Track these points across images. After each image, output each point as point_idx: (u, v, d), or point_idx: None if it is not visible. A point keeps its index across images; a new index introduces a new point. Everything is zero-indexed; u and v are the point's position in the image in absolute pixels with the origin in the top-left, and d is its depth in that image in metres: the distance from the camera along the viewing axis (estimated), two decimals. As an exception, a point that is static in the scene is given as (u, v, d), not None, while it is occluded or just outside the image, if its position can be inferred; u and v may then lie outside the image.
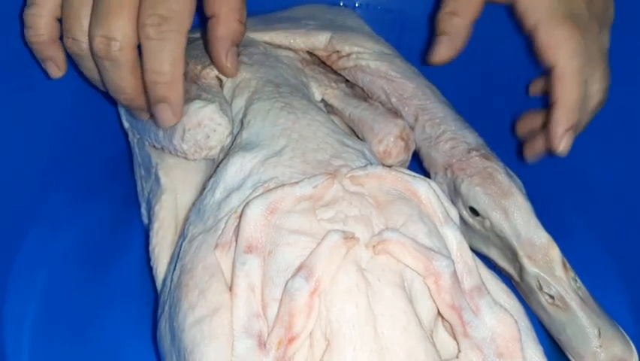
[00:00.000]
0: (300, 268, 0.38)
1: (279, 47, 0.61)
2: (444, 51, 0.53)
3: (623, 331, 0.51)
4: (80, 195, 0.63)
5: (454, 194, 0.56)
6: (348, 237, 0.39)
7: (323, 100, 0.60)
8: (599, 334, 0.49)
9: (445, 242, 0.42)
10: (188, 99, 0.50)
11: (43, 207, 0.61)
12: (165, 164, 0.54)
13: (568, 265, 0.51)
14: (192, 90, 0.53)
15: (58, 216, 0.61)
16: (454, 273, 0.40)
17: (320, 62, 0.62)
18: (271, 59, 0.58)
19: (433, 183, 0.45)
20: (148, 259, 0.52)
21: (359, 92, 0.61)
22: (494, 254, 0.55)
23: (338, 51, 0.61)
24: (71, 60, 0.49)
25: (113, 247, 0.60)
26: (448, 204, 0.45)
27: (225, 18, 0.48)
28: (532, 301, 0.53)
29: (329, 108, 0.60)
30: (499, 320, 0.40)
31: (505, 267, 0.55)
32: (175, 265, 0.45)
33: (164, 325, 0.43)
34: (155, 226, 0.52)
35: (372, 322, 0.37)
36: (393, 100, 0.59)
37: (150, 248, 0.52)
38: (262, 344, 0.38)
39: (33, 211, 0.61)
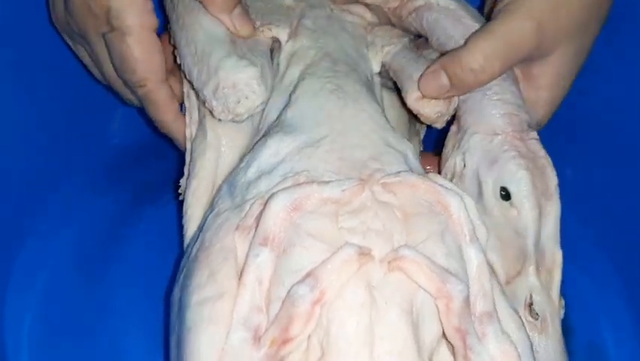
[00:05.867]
0: (307, 275, 0.37)
1: (347, 6, 0.58)
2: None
3: None
4: (80, 196, 0.64)
5: (490, 164, 0.49)
6: (364, 253, 0.38)
7: (382, 69, 0.56)
8: None
9: (466, 263, 0.41)
10: (231, 54, 0.48)
11: (44, 208, 0.62)
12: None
13: (561, 295, 0.48)
14: (240, 44, 0.50)
15: (59, 216, 0.62)
16: (467, 298, 0.38)
17: (386, 23, 0.58)
18: (335, 25, 0.55)
19: (467, 198, 0.43)
20: (151, 255, 0.52)
21: (421, 44, 0.57)
22: (491, 245, 0.48)
23: None
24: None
25: (113, 247, 0.61)
26: (479, 221, 0.43)
27: None
28: None
29: (384, 80, 0.56)
30: (502, 351, 0.39)
31: (495, 262, 0.49)
32: (198, 236, 0.45)
33: (176, 292, 0.44)
34: (194, 184, 0.51)
35: (370, 343, 0.37)
36: (452, 43, 0.52)
37: (184, 206, 0.51)
38: (257, 339, 0.38)
39: (33, 211, 0.61)
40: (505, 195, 0.48)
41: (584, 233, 0.63)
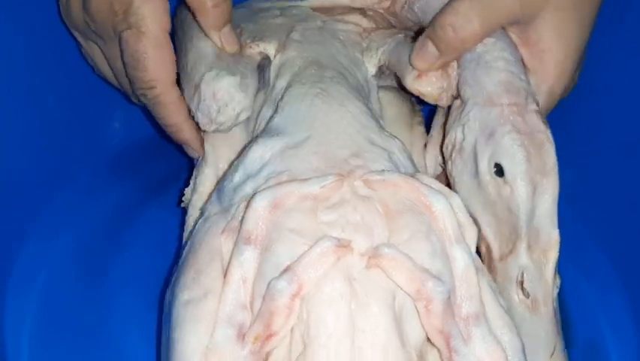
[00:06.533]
0: (286, 270, 0.38)
1: (342, 16, 0.59)
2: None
3: None
4: (80, 195, 0.64)
5: (487, 138, 0.47)
6: (342, 245, 0.38)
7: (379, 70, 0.56)
8: (553, 352, 0.45)
9: (451, 264, 0.40)
10: (213, 68, 0.50)
11: (44, 208, 0.62)
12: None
13: (557, 274, 0.47)
14: (226, 59, 0.52)
15: (59, 216, 0.62)
16: (448, 300, 0.38)
17: (386, 26, 0.59)
18: (325, 35, 0.56)
19: (454, 198, 0.43)
20: (151, 256, 0.53)
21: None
22: (486, 220, 0.48)
23: None
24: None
25: (113, 248, 0.61)
26: (468, 222, 0.43)
27: (202, 8, 0.51)
28: (499, 284, 0.47)
29: (380, 80, 0.57)
30: (488, 353, 0.39)
31: (490, 240, 0.48)
32: (188, 241, 0.46)
33: (168, 293, 0.45)
34: (194, 198, 0.52)
35: (351, 335, 0.37)
36: None
37: (186, 217, 0.52)
38: (241, 336, 0.38)
39: (33, 211, 0.61)
40: (499, 171, 0.47)
41: (583, 233, 0.62)
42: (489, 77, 0.48)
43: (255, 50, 0.54)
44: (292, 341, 0.38)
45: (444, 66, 0.50)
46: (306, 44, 0.54)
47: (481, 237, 0.48)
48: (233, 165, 0.47)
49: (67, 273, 0.59)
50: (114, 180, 0.66)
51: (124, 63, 0.51)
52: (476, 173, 0.48)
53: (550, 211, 0.46)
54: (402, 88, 0.55)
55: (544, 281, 0.46)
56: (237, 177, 0.46)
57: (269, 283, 0.38)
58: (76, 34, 0.56)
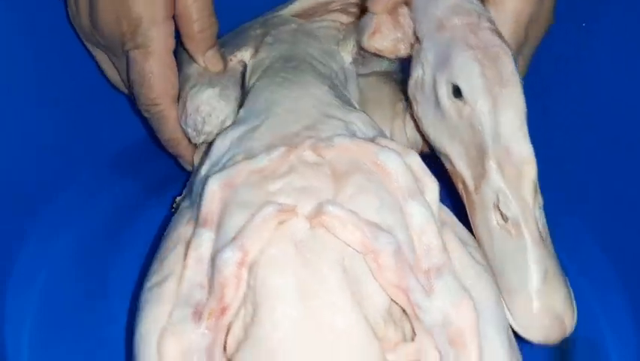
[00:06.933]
0: (231, 240, 0.38)
1: (322, 16, 0.60)
2: None
3: (570, 289, 0.43)
4: (80, 196, 0.65)
5: (442, 65, 0.45)
6: (285, 210, 0.38)
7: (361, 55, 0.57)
8: (544, 278, 0.41)
9: (407, 219, 0.39)
10: (196, 85, 0.53)
11: (44, 208, 0.63)
12: None
13: (539, 190, 0.42)
14: (208, 75, 0.55)
15: (59, 216, 0.63)
16: (398, 251, 0.37)
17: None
18: (299, 35, 0.58)
19: (412, 157, 0.42)
20: (151, 256, 0.52)
21: None
22: (455, 151, 0.46)
23: None
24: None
25: (113, 248, 0.61)
26: (428, 178, 0.42)
27: (189, 33, 0.53)
28: (478, 218, 0.44)
29: (363, 68, 0.58)
30: (453, 304, 0.37)
31: (462, 169, 0.46)
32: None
33: None
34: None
35: (298, 295, 0.37)
36: None
37: None
38: (198, 314, 0.38)
39: (33, 212, 0.62)
40: (457, 92, 0.44)
41: (584, 233, 0.61)
42: (437, 4, 0.47)
43: (235, 60, 0.57)
44: (247, 314, 0.38)
45: (395, 6, 0.49)
46: (276, 44, 0.56)
47: (456, 174, 0.46)
48: (200, 160, 0.49)
49: (67, 273, 0.60)
50: (114, 180, 0.67)
51: (129, 79, 0.53)
52: (438, 103, 0.46)
53: (515, 124, 0.43)
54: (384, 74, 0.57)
55: (522, 200, 0.42)
56: (204, 170, 0.47)
57: (215, 256, 0.38)
58: (85, 41, 0.59)
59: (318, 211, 0.38)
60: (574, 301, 0.42)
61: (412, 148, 0.51)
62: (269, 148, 0.43)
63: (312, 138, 0.43)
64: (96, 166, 0.67)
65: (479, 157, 0.43)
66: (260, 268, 0.37)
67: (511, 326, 0.41)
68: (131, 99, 0.59)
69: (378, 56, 0.54)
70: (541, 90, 0.58)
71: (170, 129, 0.55)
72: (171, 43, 0.52)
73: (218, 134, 0.48)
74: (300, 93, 0.48)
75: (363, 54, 0.57)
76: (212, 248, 0.40)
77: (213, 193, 0.41)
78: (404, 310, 0.38)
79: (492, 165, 0.43)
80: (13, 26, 0.59)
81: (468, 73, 0.43)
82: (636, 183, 0.58)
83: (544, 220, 0.43)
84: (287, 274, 0.37)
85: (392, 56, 0.51)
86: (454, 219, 0.44)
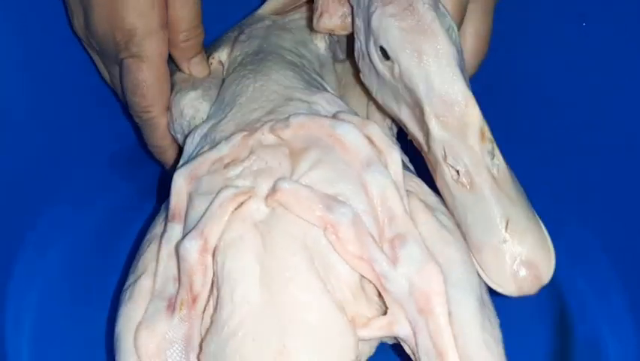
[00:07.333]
0: (192, 229, 0.38)
1: (287, 13, 0.60)
2: None
3: (544, 228, 0.40)
4: (79, 197, 0.65)
5: (367, 29, 0.44)
6: (242, 192, 0.38)
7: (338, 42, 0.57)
8: (507, 225, 0.38)
9: (367, 189, 0.39)
10: (179, 91, 0.54)
11: (44, 208, 0.62)
12: None
13: (488, 134, 0.40)
14: (192, 80, 0.55)
15: (59, 218, 0.63)
16: (357, 221, 0.36)
17: None
18: (273, 30, 0.58)
19: (371, 128, 0.41)
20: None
21: None
22: (404, 114, 0.44)
23: None
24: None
25: (113, 249, 0.61)
26: (388, 147, 0.41)
27: (174, 42, 0.53)
28: (438, 178, 0.42)
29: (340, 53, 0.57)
30: (418, 271, 0.36)
31: (414, 131, 0.43)
32: None
33: None
34: None
35: (258, 276, 0.37)
36: None
37: None
38: (172, 306, 0.39)
39: (33, 212, 0.62)
40: (384, 54, 0.43)
41: (584, 234, 0.59)
42: None
43: (215, 62, 0.57)
44: (214, 299, 0.38)
45: None
46: (248, 41, 0.56)
47: (413, 138, 0.44)
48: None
49: (67, 274, 0.60)
50: (110, 184, 0.67)
51: (122, 86, 0.54)
52: (377, 70, 0.44)
53: (445, 71, 0.40)
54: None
55: (469, 149, 0.40)
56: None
57: (178, 246, 0.38)
58: (83, 43, 0.59)
59: (273, 189, 0.38)
60: (550, 246, 0.40)
61: (392, 127, 0.51)
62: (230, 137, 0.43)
63: (271, 122, 0.43)
64: (91, 169, 0.67)
65: (422, 115, 0.42)
66: (220, 253, 0.38)
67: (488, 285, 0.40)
68: (124, 105, 0.59)
69: (331, 35, 0.54)
70: (544, 90, 0.60)
71: (159, 136, 0.55)
72: (165, 52, 0.53)
73: (188, 134, 0.49)
74: (264, 81, 0.48)
75: (337, 39, 0.56)
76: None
77: (180, 187, 0.42)
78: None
79: (431, 119, 0.41)
80: (8, 27, 0.60)
81: (385, 29, 0.42)
82: (636, 184, 0.57)
83: (505, 165, 0.40)
84: (245, 256, 0.37)
85: (345, 33, 0.50)
86: (423, 186, 0.43)
